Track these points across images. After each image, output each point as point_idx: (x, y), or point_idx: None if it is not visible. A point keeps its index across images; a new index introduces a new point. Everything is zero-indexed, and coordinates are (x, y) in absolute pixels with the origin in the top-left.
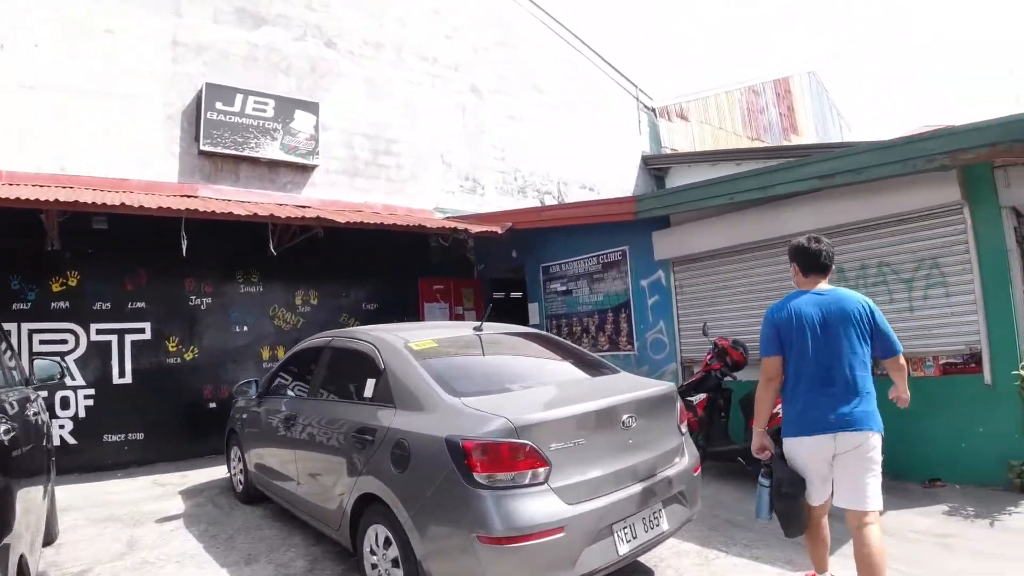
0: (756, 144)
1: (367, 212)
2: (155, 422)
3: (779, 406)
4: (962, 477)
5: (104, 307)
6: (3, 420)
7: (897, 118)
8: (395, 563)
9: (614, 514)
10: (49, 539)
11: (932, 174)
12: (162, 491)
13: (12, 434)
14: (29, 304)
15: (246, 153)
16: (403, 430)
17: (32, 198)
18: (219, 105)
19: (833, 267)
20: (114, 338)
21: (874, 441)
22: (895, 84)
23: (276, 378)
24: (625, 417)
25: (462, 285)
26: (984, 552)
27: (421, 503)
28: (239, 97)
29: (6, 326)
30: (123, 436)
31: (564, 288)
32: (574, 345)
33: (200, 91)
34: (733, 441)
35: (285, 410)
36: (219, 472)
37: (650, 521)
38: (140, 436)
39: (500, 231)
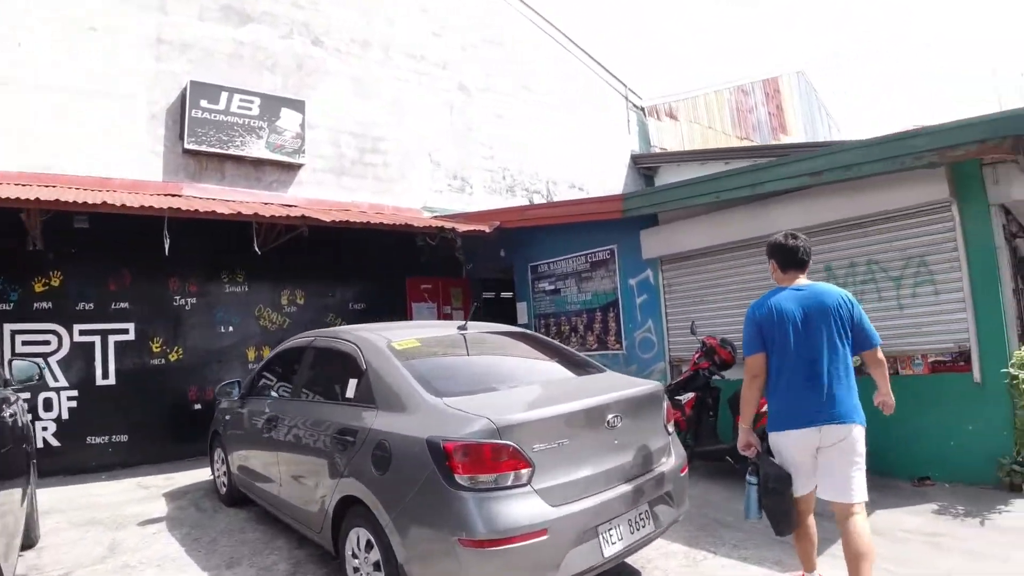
0: (745, 143)
1: (354, 211)
2: (139, 424)
3: (765, 406)
4: (951, 475)
5: (87, 307)
6: None
7: (897, 118)
8: (377, 567)
9: (600, 515)
10: (30, 542)
11: (921, 171)
12: (146, 493)
13: None
14: (11, 304)
15: (231, 152)
16: (384, 431)
17: (12, 197)
18: (204, 103)
19: (810, 262)
20: (97, 339)
21: (857, 434)
22: (895, 84)
23: (259, 379)
24: (610, 417)
25: (450, 285)
26: (974, 551)
27: (402, 505)
28: (224, 95)
29: None
30: (107, 438)
31: (552, 287)
32: (560, 344)
33: (185, 89)
34: (721, 440)
35: (268, 411)
36: (204, 474)
37: (637, 522)
38: (124, 438)
39: (488, 230)
